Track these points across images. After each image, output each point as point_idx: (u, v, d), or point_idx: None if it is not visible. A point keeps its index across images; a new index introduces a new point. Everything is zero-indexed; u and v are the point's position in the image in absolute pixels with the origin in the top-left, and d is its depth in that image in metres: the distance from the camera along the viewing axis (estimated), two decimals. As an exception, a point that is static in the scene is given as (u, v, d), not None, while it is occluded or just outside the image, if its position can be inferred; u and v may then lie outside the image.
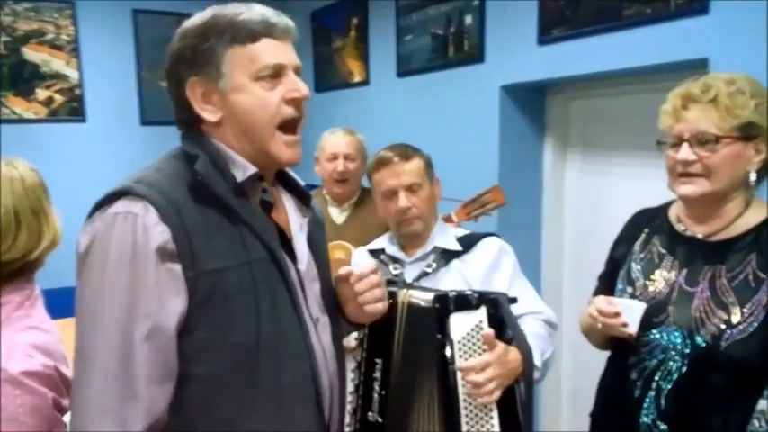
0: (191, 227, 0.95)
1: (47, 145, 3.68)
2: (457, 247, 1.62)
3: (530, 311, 1.56)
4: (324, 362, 1.10)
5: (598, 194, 2.62)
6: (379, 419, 1.38)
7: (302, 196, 1.17)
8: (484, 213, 2.05)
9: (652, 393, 1.29)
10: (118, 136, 3.93)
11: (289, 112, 1.04)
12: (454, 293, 1.36)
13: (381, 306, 1.21)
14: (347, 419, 1.39)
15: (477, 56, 2.72)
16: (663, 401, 1.27)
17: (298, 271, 1.10)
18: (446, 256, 1.61)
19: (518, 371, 1.34)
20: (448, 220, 2.03)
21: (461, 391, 1.32)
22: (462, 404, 1.32)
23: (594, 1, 2.19)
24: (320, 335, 1.11)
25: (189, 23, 1.04)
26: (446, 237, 1.65)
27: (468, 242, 1.64)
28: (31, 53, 3.65)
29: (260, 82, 1.01)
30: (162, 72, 3.87)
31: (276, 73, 1.02)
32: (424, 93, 3.09)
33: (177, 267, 0.93)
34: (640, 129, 2.35)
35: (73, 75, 3.75)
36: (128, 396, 0.90)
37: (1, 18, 3.53)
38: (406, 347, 1.37)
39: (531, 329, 1.49)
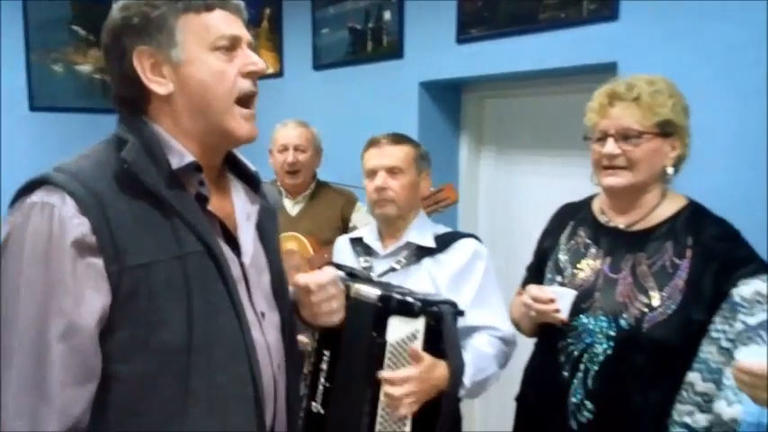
0: (114, 219, 0.89)
1: None
2: (431, 244, 1.62)
3: (487, 326, 1.55)
4: (267, 359, 1.05)
5: (510, 189, 2.73)
6: (321, 411, 1.37)
7: (252, 183, 1.12)
8: (437, 210, 2.07)
9: (580, 375, 1.36)
10: (4, 121, 3.60)
11: (247, 85, 0.99)
12: (399, 297, 1.35)
13: (336, 318, 1.20)
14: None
15: (396, 52, 2.75)
16: (590, 382, 1.35)
17: (242, 264, 1.04)
18: (419, 253, 1.61)
19: (441, 387, 1.35)
20: None
21: (382, 395, 1.32)
22: (380, 408, 1.33)
23: (511, 3, 2.28)
24: (265, 330, 1.07)
25: None
26: (423, 233, 1.64)
27: (445, 241, 1.63)
28: None
29: (216, 53, 0.96)
30: (55, 55, 3.56)
31: (232, 45, 0.98)
32: (342, 86, 3.08)
33: (98, 262, 0.88)
34: (551, 128, 2.48)
35: (-48, 54, 3.41)
36: (40, 398, 0.86)
37: None
38: (348, 341, 1.35)
39: (478, 347, 1.51)
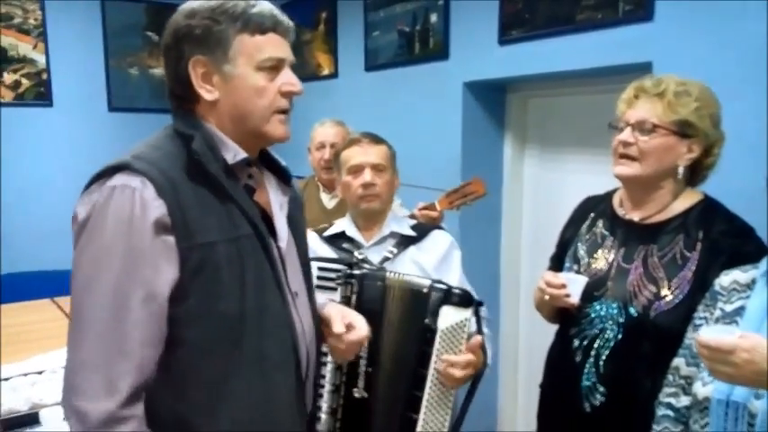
0: (185, 203, 1.01)
1: (13, 128, 3.69)
2: (411, 233, 1.73)
3: None
4: (302, 334, 1.18)
5: (553, 188, 2.78)
6: (365, 395, 1.48)
7: (283, 176, 1.25)
8: (465, 203, 2.17)
9: (591, 360, 1.44)
10: (84, 121, 3.95)
11: (283, 103, 1.11)
12: (451, 288, 1.49)
13: (349, 357, 1.32)
14: (326, 397, 1.48)
15: (441, 53, 2.85)
16: (601, 366, 1.42)
17: (278, 248, 1.17)
18: (404, 241, 1.72)
19: (478, 372, 1.51)
20: (431, 208, 2.13)
21: (433, 368, 1.46)
22: (429, 384, 1.46)
23: (550, 5, 2.34)
24: (299, 309, 1.19)
25: (197, 4, 1.08)
26: (401, 223, 1.77)
27: (422, 231, 1.75)
28: (-1, 37, 3.66)
29: (261, 72, 1.08)
30: (131, 59, 3.88)
31: (276, 66, 1.10)
32: (391, 86, 3.20)
33: (171, 239, 1.00)
34: (591, 126, 2.51)
35: (40, 59, 3.75)
36: (119, 354, 0.96)
37: (-33, 2, 3.51)
38: (398, 327, 1.48)
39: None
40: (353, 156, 1.72)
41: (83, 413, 0.95)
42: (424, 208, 2.13)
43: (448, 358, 1.44)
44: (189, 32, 1.07)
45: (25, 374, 1.94)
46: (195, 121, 1.11)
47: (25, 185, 3.79)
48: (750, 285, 1.22)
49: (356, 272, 1.51)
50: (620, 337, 1.40)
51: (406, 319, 1.48)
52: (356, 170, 1.71)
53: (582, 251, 1.54)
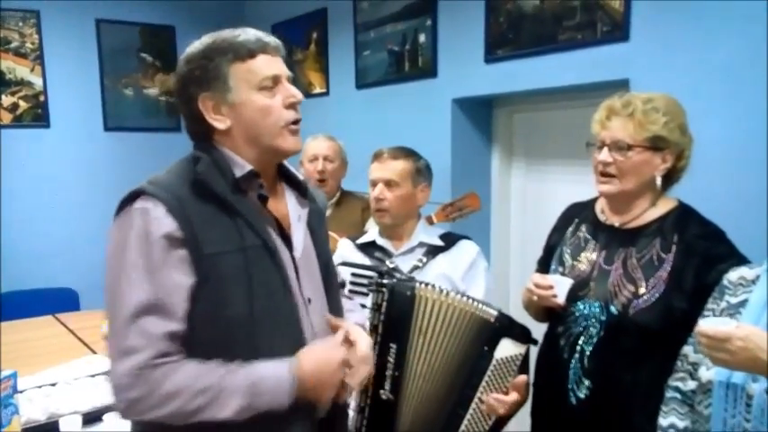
0: (193, 218, 1.12)
1: (12, 150, 3.76)
2: (440, 243, 1.83)
3: None
4: (312, 336, 1.26)
5: (539, 197, 2.91)
6: (392, 397, 1.55)
7: (301, 190, 1.35)
8: (461, 216, 2.28)
9: (577, 355, 1.55)
10: (81, 141, 4.03)
11: (291, 115, 1.22)
12: (511, 320, 1.57)
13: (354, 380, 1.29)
14: (354, 395, 1.55)
15: (430, 71, 2.99)
16: (586, 362, 1.53)
17: (293, 257, 1.26)
18: (432, 251, 1.81)
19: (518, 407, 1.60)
20: (428, 220, 2.23)
21: (480, 393, 1.55)
22: (473, 408, 1.55)
23: (533, 26, 2.48)
24: (310, 314, 1.28)
25: (191, 49, 1.20)
26: (429, 234, 1.86)
27: (450, 241, 1.85)
28: (-3, 61, 3.74)
29: (262, 92, 1.18)
30: (126, 80, 4.00)
31: (274, 83, 1.20)
32: (382, 103, 3.33)
33: (184, 251, 1.12)
34: (574, 139, 2.63)
35: (37, 82, 3.83)
36: (155, 308, 1.09)
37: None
38: (451, 341, 1.55)
39: None
40: (372, 170, 1.85)
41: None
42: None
43: (498, 397, 1.53)
44: (191, 75, 1.19)
45: (39, 386, 2.02)
46: (209, 146, 1.22)
47: (24, 206, 3.85)
48: (755, 281, 1.34)
49: (386, 281, 1.56)
50: (602, 333, 1.51)
51: (465, 340, 1.55)
52: (372, 184, 1.83)
53: (567, 254, 1.66)
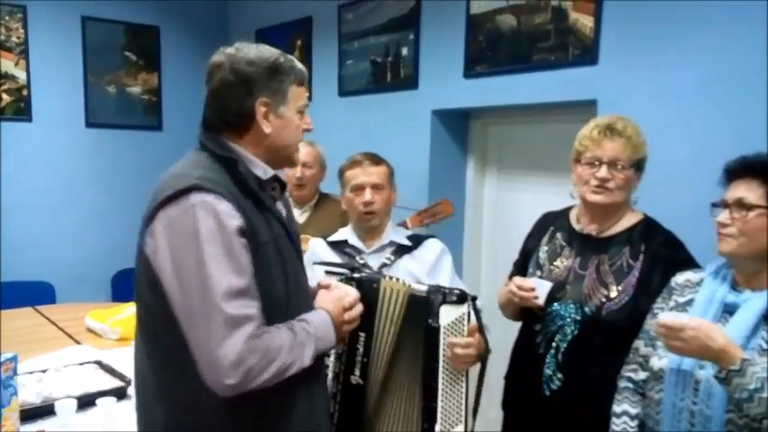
0: (245, 212, 1.26)
1: (-7, 142, 3.77)
2: (408, 243, 1.97)
3: None
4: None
5: (510, 206, 3.09)
6: (361, 381, 1.67)
7: (282, 187, 1.51)
8: (434, 222, 2.42)
9: (552, 351, 1.71)
10: (62, 137, 4.05)
11: (301, 137, 1.43)
12: (444, 289, 1.67)
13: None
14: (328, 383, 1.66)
15: (411, 83, 3.14)
16: (560, 357, 1.70)
17: None
18: (400, 250, 1.94)
19: (482, 355, 1.70)
20: (403, 225, 2.35)
21: (442, 360, 1.64)
22: (441, 373, 1.65)
23: (510, 46, 2.66)
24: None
25: (258, 54, 1.33)
26: (398, 234, 2.01)
27: (416, 240, 1.98)
28: (-19, 53, 3.74)
29: (298, 114, 1.39)
30: (109, 77, 4.07)
31: (304, 109, 1.41)
32: (363, 112, 3.46)
33: (245, 241, 1.24)
34: (544, 153, 2.84)
35: (21, 75, 3.85)
36: (246, 291, 1.21)
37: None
38: (400, 324, 1.66)
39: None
40: (356, 176, 1.94)
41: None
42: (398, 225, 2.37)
43: (450, 340, 1.62)
44: (256, 77, 1.32)
45: (30, 372, 2.08)
46: (228, 146, 1.35)
47: (3, 199, 3.86)
48: (699, 283, 1.53)
49: (356, 275, 1.69)
50: (576, 332, 1.68)
51: (410, 321, 1.66)
52: (358, 189, 1.92)
53: (543, 259, 1.82)
